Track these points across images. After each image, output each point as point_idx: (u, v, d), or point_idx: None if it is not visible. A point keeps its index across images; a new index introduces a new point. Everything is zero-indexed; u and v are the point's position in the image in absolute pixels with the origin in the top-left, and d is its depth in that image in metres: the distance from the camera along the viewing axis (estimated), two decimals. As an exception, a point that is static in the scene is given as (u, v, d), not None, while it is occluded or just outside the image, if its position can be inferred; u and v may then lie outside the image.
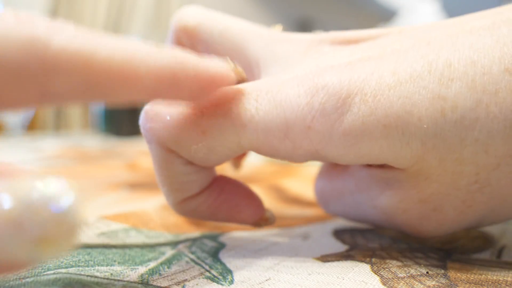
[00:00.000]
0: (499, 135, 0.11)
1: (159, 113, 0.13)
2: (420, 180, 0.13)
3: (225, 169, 0.24)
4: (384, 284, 0.12)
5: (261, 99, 0.13)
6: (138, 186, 0.27)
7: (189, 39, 0.17)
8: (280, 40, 0.15)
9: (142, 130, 0.14)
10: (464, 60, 0.12)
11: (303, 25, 1.42)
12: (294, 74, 0.13)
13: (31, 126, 0.94)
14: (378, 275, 0.12)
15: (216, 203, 0.15)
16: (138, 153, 0.46)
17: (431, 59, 0.12)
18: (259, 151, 0.14)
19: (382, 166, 0.14)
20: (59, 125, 1.00)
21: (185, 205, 0.15)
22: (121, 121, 0.66)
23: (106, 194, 0.24)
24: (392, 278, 0.12)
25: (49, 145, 0.55)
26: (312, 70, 0.13)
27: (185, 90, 0.11)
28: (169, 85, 0.11)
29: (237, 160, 0.21)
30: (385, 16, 1.73)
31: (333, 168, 0.16)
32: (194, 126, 0.13)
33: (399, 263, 0.13)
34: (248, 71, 0.16)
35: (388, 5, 1.67)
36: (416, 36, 0.13)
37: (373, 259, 0.13)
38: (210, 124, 0.13)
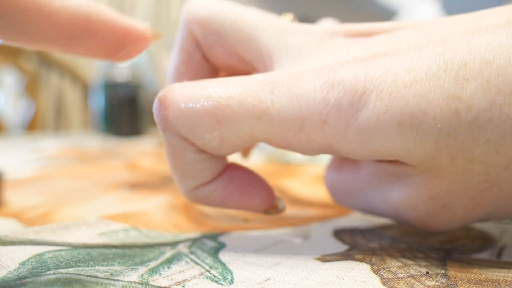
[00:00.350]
0: (511, 136, 0.11)
1: (173, 100, 0.14)
2: (431, 177, 0.13)
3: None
4: (384, 284, 0.12)
5: (276, 91, 0.13)
6: (138, 186, 0.27)
7: (201, 30, 0.17)
8: (293, 31, 0.15)
9: (155, 117, 0.14)
10: (479, 60, 0.12)
11: (303, 25, 1.42)
12: (310, 67, 0.13)
13: (31, 126, 0.94)
14: (378, 275, 0.12)
15: (227, 190, 0.15)
16: (138, 153, 0.46)
17: (446, 57, 0.12)
18: (272, 143, 0.14)
19: (392, 161, 0.14)
20: (59, 125, 1.00)
21: (197, 193, 0.15)
22: (121, 121, 0.66)
23: (106, 194, 0.24)
24: (392, 278, 0.12)
25: (49, 145, 0.55)
26: (328, 64, 0.13)
27: (99, 37, 0.12)
28: (83, 28, 0.11)
29: (246, 149, 0.21)
30: (385, 16, 1.73)
31: (343, 161, 0.16)
32: (209, 115, 0.13)
33: (399, 263, 0.13)
34: (260, 61, 0.16)
35: (388, 5, 1.67)
36: (431, 33, 0.13)
37: (373, 259, 0.13)
38: (225, 114, 0.13)
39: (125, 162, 0.38)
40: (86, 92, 1.04)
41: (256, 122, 0.13)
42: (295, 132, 0.13)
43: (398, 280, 0.12)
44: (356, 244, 0.15)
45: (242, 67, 0.17)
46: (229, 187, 0.15)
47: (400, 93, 0.12)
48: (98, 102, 0.67)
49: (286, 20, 0.16)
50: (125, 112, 0.65)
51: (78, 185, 0.27)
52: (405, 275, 0.12)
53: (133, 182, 0.28)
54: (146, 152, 0.47)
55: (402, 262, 0.13)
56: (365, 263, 0.13)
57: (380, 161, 0.14)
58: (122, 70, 0.66)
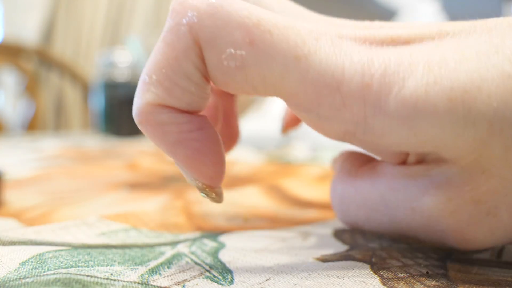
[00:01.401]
0: None
1: None
2: (476, 174, 0.11)
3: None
4: (384, 284, 0.12)
5: (322, 41, 0.11)
6: (138, 186, 0.27)
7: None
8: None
9: (175, 3, 0.12)
10: None
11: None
12: (354, 32, 0.12)
13: (31, 126, 0.94)
14: (378, 275, 0.12)
15: (188, 135, 0.12)
16: (138, 153, 0.46)
17: (496, 42, 0.11)
18: (295, 100, 0.12)
19: (421, 162, 0.12)
20: (59, 125, 1.00)
21: (157, 112, 0.12)
22: (121, 121, 0.66)
23: (106, 194, 0.24)
24: (392, 278, 0.12)
25: (49, 145, 0.55)
26: (375, 37, 0.12)
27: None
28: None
29: (230, 143, 0.19)
30: (385, 16, 1.73)
31: (357, 169, 0.15)
32: (244, 29, 0.11)
33: (399, 263, 0.13)
34: None
35: (388, 5, 1.67)
36: (475, 23, 0.12)
37: (373, 259, 0.13)
38: (263, 38, 0.11)
39: (125, 162, 0.38)
40: (86, 92, 1.04)
41: (292, 63, 0.11)
42: (331, 90, 0.11)
43: (398, 280, 0.12)
44: (356, 244, 0.15)
45: None
46: (191, 134, 0.12)
47: (449, 68, 0.11)
48: (98, 102, 0.67)
49: None
50: (125, 112, 0.65)
51: (78, 185, 0.27)
52: (405, 275, 0.12)
53: (133, 182, 0.28)
54: (146, 152, 0.47)
55: (402, 262, 0.13)
56: (365, 263, 0.13)
57: (405, 164, 0.13)
58: (122, 70, 0.66)
